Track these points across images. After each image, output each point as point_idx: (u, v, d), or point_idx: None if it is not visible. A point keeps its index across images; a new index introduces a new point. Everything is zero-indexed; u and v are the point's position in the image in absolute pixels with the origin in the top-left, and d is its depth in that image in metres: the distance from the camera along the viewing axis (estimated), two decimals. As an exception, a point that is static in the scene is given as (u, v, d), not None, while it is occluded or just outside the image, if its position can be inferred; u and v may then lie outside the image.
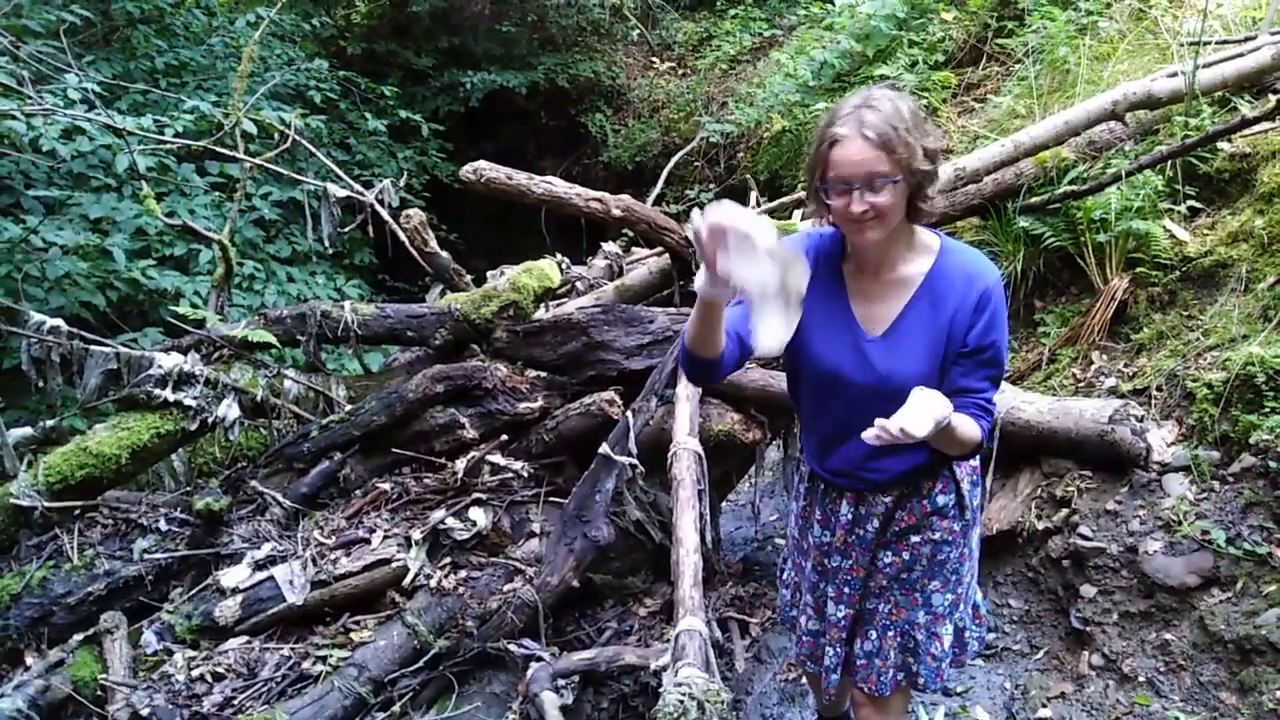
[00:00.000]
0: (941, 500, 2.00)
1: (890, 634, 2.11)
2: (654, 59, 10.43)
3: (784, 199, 6.04)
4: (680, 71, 10.31)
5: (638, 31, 10.56)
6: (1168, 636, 2.68)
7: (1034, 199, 4.18)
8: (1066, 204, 4.04)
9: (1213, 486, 2.86)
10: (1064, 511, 3.13)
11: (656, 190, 8.10)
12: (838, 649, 2.17)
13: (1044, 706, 2.81)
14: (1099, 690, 2.75)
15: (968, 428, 1.82)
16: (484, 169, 3.63)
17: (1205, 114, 3.90)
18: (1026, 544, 3.25)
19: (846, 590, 2.13)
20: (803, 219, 4.86)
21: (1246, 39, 4.22)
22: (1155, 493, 2.96)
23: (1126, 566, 2.87)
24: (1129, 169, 3.73)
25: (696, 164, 8.85)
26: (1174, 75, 4.10)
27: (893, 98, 1.72)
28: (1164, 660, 2.66)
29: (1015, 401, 3.31)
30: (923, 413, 1.65)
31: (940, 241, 1.87)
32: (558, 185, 3.84)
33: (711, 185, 8.56)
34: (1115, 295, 3.69)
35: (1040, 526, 3.18)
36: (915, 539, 2.03)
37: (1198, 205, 3.79)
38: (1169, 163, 3.79)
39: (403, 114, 8.50)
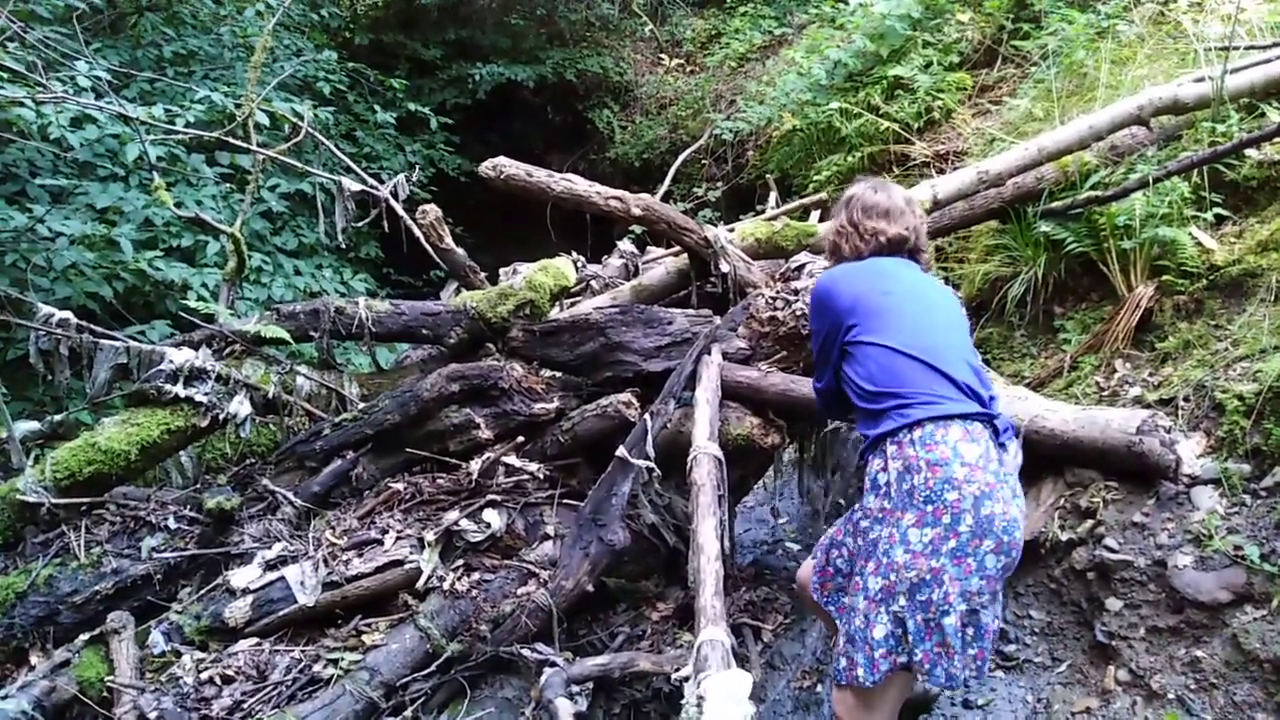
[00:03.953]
0: (879, 477, 2.28)
1: (844, 622, 2.33)
2: (662, 55, 10.40)
3: (804, 200, 5.99)
4: (689, 69, 10.27)
5: (648, 28, 10.51)
6: (1198, 653, 2.63)
7: (1055, 204, 4.14)
8: (1089, 209, 3.99)
9: (1244, 500, 2.81)
10: (1089, 523, 3.08)
11: (664, 188, 8.06)
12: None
13: (1068, 721, 2.77)
14: (1125, 706, 2.70)
15: None
16: (504, 166, 3.57)
17: (1232, 120, 3.85)
18: (1049, 554, 3.19)
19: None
20: (819, 220, 4.81)
21: (1274, 45, 4.17)
22: (1183, 505, 2.91)
23: (1154, 580, 2.82)
24: (1156, 174, 3.68)
25: (704, 162, 8.81)
26: (1200, 80, 4.05)
27: None
28: (1194, 678, 2.61)
29: (1039, 410, 3.26)
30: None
31: None
32: (578, 184, 3.78)
33: (719, 184, 8.52)
34: (1140, 303, 3.64)
35: (1064, 537, 3.13)
36: (861, 509, 2.38)
37: (1224, 213, 3.74)
38: (1195, 169, 3.74)
39: (411, 106, 8.44)
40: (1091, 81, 5.00)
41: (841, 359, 2.43)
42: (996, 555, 2.17)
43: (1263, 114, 3.89)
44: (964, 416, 2.20)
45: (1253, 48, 4.27)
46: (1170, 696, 2.63)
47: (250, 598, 3.08)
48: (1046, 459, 3.30)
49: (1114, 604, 2.89)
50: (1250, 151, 3.71)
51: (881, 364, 2.30)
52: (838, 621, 2.43)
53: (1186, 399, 3.22)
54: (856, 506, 2.64)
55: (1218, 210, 3.73)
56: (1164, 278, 3.64)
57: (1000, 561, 2.18)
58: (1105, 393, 3.56)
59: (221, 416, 3.40)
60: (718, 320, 3.86)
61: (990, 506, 2.13)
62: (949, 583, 2.14)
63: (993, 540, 2.14)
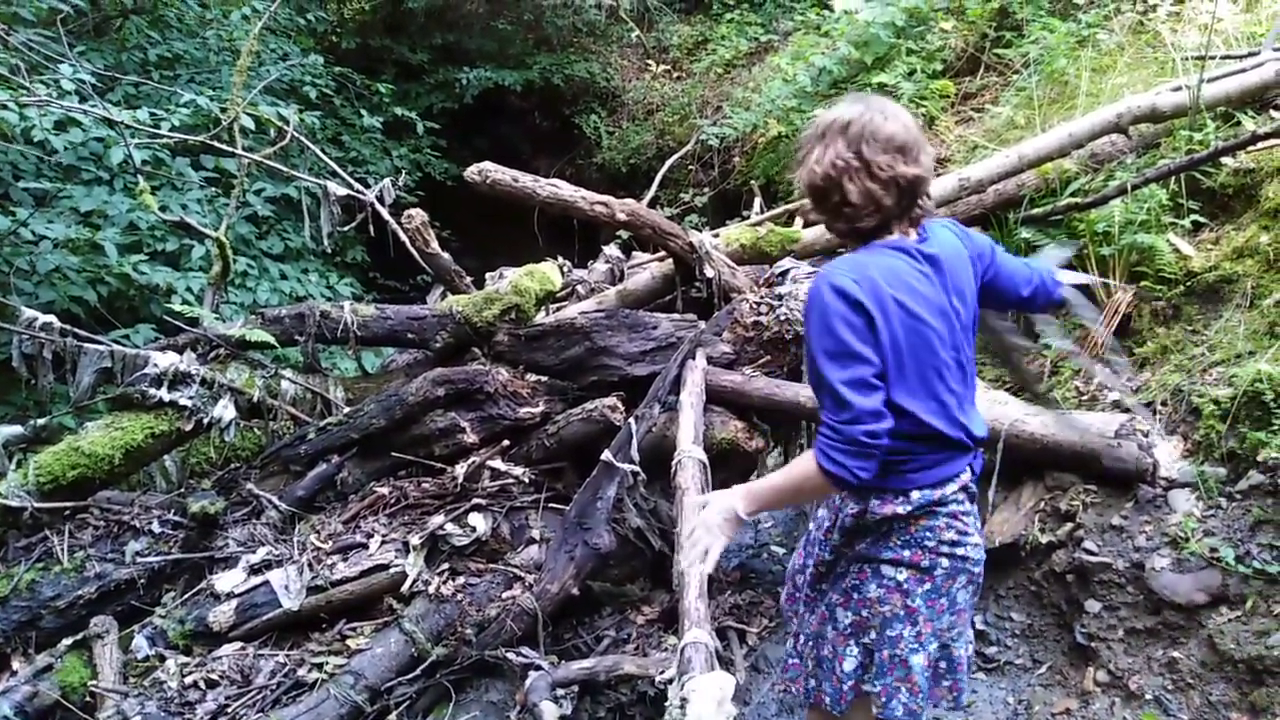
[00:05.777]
0: (859, 510, 2.12)
1: (809, 643, 2.21)
2: (649, 61, 10.40)
3: (789, 205, 6.01)
4: (675, 74, 10.28)
5: (634, 34, 10.53)
6: (1175, 654, 2.67)
7: (1036, 210, 4.18)
8: (1069, 216, 4.04)
9: (1219, 503, 2.85)
10: (1068, 526, 3.11)
11: (650, 193, 8.08)
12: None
13: (1048, 722, 2.80)
14: (1104, 707, 2.74)
15: (795, 471, 1.90)
16: (490, 171, 3.58)
17: (1209, 129, 3.90)
18: (1029, 557, 3.23)
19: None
20: (804, 226, 4.84)
21: (1249, 55, 4.23)
22: (1161, 508, 2.95)
23: (1132, 582, 2.86)
24: (1135, 182, 3.73)
25: (690, 168, 8.82)
26: (1178, 89, 4.09)
27: None
28: (1171, 678, 2.65)
29: (1019, 414, 3.30)
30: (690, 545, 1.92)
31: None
32: (563, 188, 3.80)
33: (705, 189, 8.54)
34: (1119, 309, 3.68)
35: (1044, 540, 3.17)
36: (822, 534, 2.21)
37: (1201, 220, 3.79)
38: (1173, 176, 3.79)
39: (397, 111, 8.44)
40: (1072, 89, 5.06)
41: None
42: (967, 588, 2.12)
43: (1238, 122, 3.94)
44: (955, 475, 2.04)
45: (1229, 57, 4.33)
46: (1148, 697, 2.67)
47: (235, 602, 3.07)
48: (1026, 463, 3.34)
49: (1093, 606, 2.92)
50: (1226, 159, 3.77)
51: (899, 426, 1.88)
52: (801, 639, 2.27)
53: (1164, 403, 3.26)
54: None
55: (1195, 217, 3.77)
56: (1142, 283, 3.68)
57: (969, 591, 2.13)
58: (1084, 397, 3.60)
59: (206, 420, 3.39)
60: (702, 325, 3.88)
61: (965, 549, 2.06)
62: (923, 623, 2.08)
63: (965, 576, 2.09)
